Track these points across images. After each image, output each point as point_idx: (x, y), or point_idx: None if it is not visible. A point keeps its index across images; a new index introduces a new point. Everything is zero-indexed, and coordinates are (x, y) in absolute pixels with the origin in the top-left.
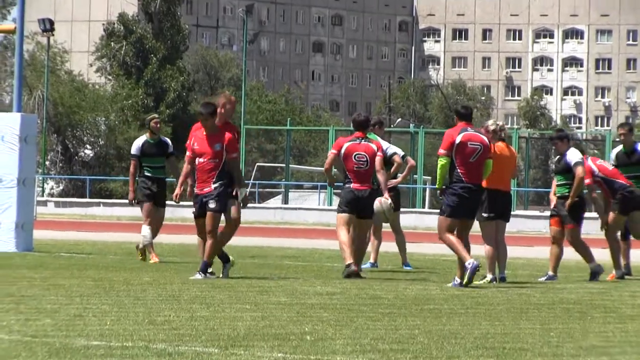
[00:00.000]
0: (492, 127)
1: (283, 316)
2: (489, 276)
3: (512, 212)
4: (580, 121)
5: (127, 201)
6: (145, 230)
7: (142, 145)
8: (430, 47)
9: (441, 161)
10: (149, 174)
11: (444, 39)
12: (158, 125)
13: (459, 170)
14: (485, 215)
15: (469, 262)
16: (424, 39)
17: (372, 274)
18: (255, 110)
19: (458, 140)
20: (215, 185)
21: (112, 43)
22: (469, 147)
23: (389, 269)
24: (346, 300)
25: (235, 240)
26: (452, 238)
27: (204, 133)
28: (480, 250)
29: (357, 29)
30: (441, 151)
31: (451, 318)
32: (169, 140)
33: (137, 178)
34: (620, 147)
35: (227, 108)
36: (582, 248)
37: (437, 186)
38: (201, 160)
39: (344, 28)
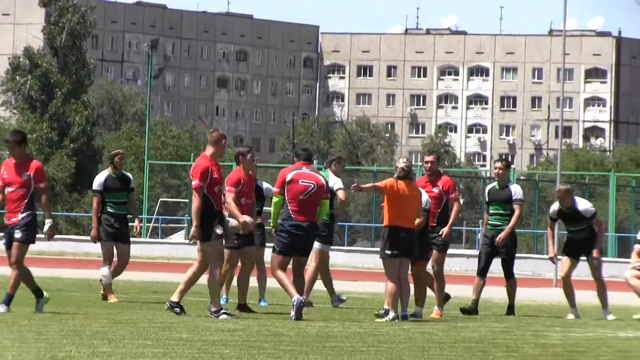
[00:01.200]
0: (399, 165)
1: (185, 353)
2: (392, 314)
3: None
4: (484, 159)
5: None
6: (104, 270)
7: (105, 180)
8: (335, 83)
9: (274, 199)
10: (111, 210)
11: (348, 75)
12: (122, 161)
13: (289, 207)
14: (388, 252)
15: (295, 299)
16: (329, 75)
17: (271, 309)
18: (159, 146)
19: (289, 177)
20: (23, 215)
21: (18, 77)
22: (300, 185)
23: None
24: (247, 337)
25: (138, 275)
26: (282, 275)
27: (13, 162)
28: (381, 287)
29: (262, 64)
30: (274, 190)
31: (353, 356)
32: (130, 175)
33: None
34: (494, 184)
35: (223, 144)
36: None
37: (271, 224)
38: (9, 189)
39: (248, 63)
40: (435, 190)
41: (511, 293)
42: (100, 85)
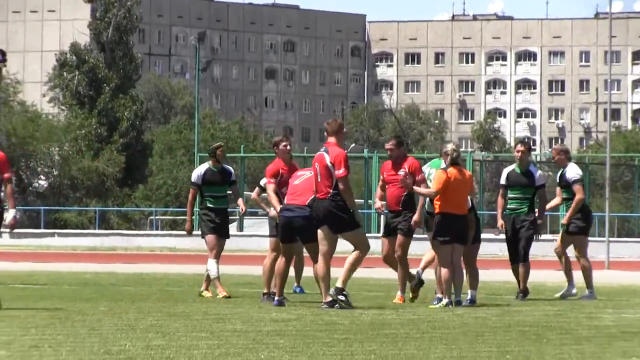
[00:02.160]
0: (446, 151)
1: (239, 343)
2: (445, 300)
3: None
4: (534, 143)
5: (82, 231)
6: (211, 264)
7: (204, 173)
8: (383, 71)
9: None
10: (211, 205)
11: (396, 63)
12: (223, 154)
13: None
14: (440, 239)
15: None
16: (377, 63)
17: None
18: (208, 138)
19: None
20: None
21: (65, 73)
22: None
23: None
24: (302, 326)
25: (191, 268)
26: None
27: None
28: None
29: (310, 54)
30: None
31: (407, 343)
32: (231, 168)
33: (196, 209)
34: (513, 167)
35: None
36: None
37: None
38: None
39: (296, 54)
40: (402, 173)
41: (525, 277)
42: (148, 80)
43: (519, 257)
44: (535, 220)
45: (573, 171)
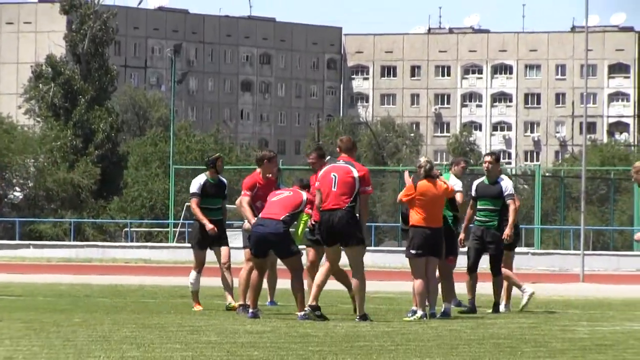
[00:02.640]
0: (420, 164)
1: (213, 355)
2: (420, 312)
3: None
4: (509, 156)
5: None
6: (193, 276)
7: (204, 184)
8: (359, 84)
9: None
10: (207, 217)
11: (372, 76)
12: (221, 166)
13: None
14: (413, 252)
15: None
16: (353, 76)
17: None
18: (184, 150)
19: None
20: None
21: (41, 85)
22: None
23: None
24: (276, 338)
25: (166, 280)
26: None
27: None
28: (405, 286)
29: (286, 67)
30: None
31: (381, 355)
32: (225, 181)
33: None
34: (482, 179)
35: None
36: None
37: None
38: None
39: (272, 66)
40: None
41: (497, 290)
42: (124, 92)
43: (476, 269)
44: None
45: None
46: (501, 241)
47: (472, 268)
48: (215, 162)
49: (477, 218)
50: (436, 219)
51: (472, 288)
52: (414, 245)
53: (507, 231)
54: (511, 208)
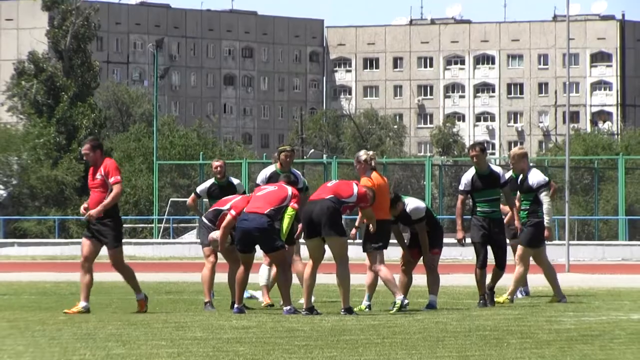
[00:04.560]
0: (363, 157)
1: (199, 352)
2: (399, 296)
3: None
4: (493, 147)
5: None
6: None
7: (269, 175)
8: (342, 77)
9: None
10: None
11: (355, 68)
12: (288, 159)
13: None
14: (375, 245)
15: None
16: (335, 69)
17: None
18: (167, 146)
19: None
20: None
21: (23, 82)
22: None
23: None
24: (262, 333)
25: (151, 276)
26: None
27: None
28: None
29: (268, 60)
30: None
31: (367, 348)
32: (299, 174)
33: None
34: (472, 171)
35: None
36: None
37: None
38: None
39: (254, 60)
40: (99, 177)
41: (495, 279)
42: (107, 87)
43: (486, 264)
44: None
45: (537, 176)
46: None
47: (484, 264)
48: (280, 154)
49: (479, 209)
50: (385, 211)
51: (482, 284)
52: (375, 238)
53: (516, 223)
54: (514, 197)
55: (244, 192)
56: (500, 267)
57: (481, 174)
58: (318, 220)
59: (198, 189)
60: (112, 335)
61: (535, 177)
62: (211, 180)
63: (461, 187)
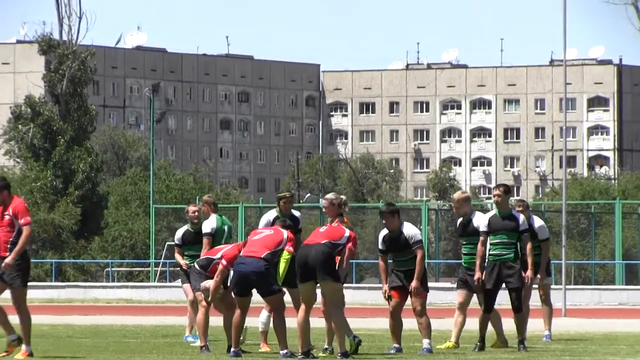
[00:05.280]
0: (331, 199)
1: None
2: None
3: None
4: (489, 191)
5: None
6: (264, 315)
7: (273, 220)
8: (338, 121)
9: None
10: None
11: (351, 112)
12: (288, 205)
13: None
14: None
15: None
16: (331, 113)
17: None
18: (164, 189)
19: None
20: None
21: (20, 125)
22: None
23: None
24: None
25: (148, 320)
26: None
27: None
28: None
29: (264, 105)
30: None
31: None
32: (298, 215)
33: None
34: (493, 212)
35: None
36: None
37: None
38: None
39: (250, 105)
40: (7, 216)
41: (521, 326)
42: (103, 131)
43: (514, 306)
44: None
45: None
46: (521, 275)
47: (491, 308)
48: (279, 201)
49: (491, 252)
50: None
51: (484, 326)
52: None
53: (529, 273)
54: (529, 246)
55: (212, 234)
56: (517, 309)
57: (501, 216)
58: (313, 264)
59: (176, 240)
60: None
61: (479, 220)
62: (184, 228)
63: (482, 228)
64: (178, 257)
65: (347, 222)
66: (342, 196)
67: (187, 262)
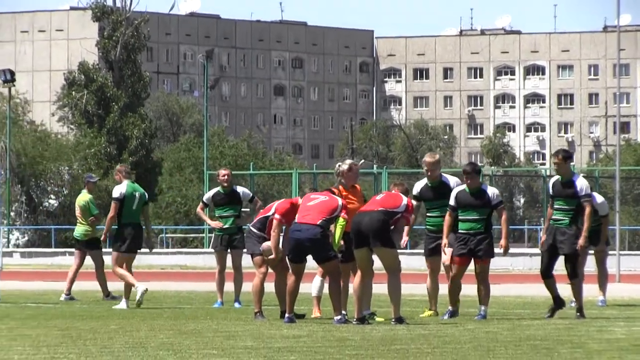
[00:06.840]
0: (354, 168)
1: None
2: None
3: None
4: (544, 157)
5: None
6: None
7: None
8: (392, 87)
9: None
10: None
11: (405, 79)
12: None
13: None
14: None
15: None
16: (385, 79)
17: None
18: (217, 156)
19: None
20: None
21: (74, 92)
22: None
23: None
24: (313, 342)
25: (202, 286)
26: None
27: None
28: (443, 289)
29: (318, 71)
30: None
31: (418, 358)
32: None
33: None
34: (558, 177)
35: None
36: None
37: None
38: None
39: (304, 71)
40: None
41: (577, 294)
42: (157, 98)
43: (568, 273)
44: (577, 235)
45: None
46: (573, 242)
47: (546, 272)
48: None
49: (553, 217)
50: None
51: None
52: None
53: (581, 241)
54: (587, 211)
55: (252, 197)
56: (571, 276)
57: (562, 182)
58: (367, 231)
59: (204, 198)
60: (164, 344)
61: (453, 180)
62: (216, 189)
63: (550, 192)
64: (200, 212)
65: (358, 189)
66: (345, 163)
67: (220, 223)
